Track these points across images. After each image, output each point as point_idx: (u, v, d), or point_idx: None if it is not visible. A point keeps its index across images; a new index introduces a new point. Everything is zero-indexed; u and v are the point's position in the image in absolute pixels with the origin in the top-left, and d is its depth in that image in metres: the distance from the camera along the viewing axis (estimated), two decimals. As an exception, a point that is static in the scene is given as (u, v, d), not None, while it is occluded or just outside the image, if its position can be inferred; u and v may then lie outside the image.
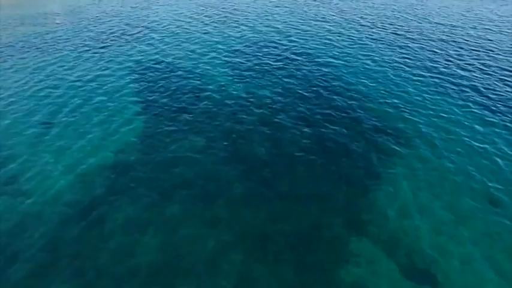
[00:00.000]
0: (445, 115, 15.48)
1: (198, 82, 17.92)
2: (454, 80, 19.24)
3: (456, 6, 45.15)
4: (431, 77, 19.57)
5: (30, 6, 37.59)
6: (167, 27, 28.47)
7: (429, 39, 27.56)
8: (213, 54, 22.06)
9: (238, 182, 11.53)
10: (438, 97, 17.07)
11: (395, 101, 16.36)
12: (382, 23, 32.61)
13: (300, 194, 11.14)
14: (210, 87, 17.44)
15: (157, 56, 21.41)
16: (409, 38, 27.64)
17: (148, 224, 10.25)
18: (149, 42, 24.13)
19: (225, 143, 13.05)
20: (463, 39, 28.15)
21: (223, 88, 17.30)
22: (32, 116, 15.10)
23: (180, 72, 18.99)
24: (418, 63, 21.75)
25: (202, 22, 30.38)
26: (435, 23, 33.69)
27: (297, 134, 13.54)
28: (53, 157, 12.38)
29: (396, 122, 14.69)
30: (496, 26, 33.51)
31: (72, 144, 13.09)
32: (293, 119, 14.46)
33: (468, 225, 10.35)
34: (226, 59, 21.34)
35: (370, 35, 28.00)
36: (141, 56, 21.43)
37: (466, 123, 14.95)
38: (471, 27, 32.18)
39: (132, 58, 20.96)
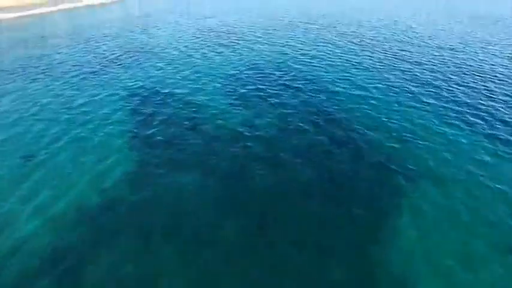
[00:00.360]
0: (454, 148, 14.40)
1: (192, 111, 16.98)
2: (460, 108, 18.31)
3: (456, 29, 45.01)
4: (436, 104, 18.66)
5: (30, 29, 37.56)
6: (163, 51, 28.00)
7: (431, 63, 26.92)
8: (209, 80, 21.30)
9: (232, 228, 10.31)
10: (445, 127, 16.05)
11: (400, 133, 15.34)
12: (382, 46, 32.15)
13: (299, 242, 9.90)
14: (204, 116, 16.47)
15: (149, 83, 20.61)
16: (409, 62, 27.00)
17: (129, 281, 8.96)
18: (142, 67, 23.49)
19: (217, 182, 11.90)
20: (466, 63, 27.51)
21: (217, 118, 16.32)
22: (10, 147, 14.02)
23: (172, 100, 18.12)
24: (421, 89, 20.92)
25: (199, 46, 29.95)
26: (436, 46, 33.23)
27: (296, 171, 12.40)
28: (24, 196, 11.21)
29: (401, 157, 13.60)
30: (498, 50, 33.01)
31: (48, 181, 11.95)
32: (292, 155, 13.36)
33: (483, 279, 9.06)
34: (222, 85, 20.55)
35: (370, 58, 27.42)
36: (133, 82, 20.66)
37: (476, 157, 13.84)
38: (473, 52, 31.67)
39: (123, 85, 20.17)
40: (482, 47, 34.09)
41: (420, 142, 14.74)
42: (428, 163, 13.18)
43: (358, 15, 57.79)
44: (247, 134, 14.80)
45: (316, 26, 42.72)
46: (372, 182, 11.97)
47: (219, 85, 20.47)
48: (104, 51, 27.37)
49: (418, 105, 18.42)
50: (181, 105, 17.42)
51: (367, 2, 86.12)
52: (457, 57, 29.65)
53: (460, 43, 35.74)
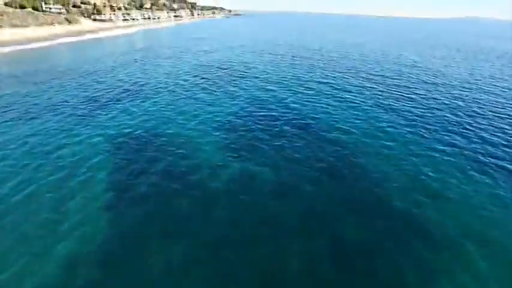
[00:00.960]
0: (479, 208, 12.13)
1: (181, 162, 14.76)
2: (479, 158, 16.19)
3: (463, 65, 43.73)
4: (453, 152, 16.58)
5: (26, 63, 36.93)
6: (156, 90, 26.44)
7: (441, 102, 25.03)
8: (202, 123, 19.42)
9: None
10: (466, 184, 13.81)
11: (417, 188, 13.14)
12: (388, 83, 30.37)
13: None
14: (194, 168, 14.24)
15: (136, 127, 18.45)
16: (418, 101, 25.13)
17: None
18: (132, 108, 21.53)
19: (208, 257, 9.53)
20: (478, 102, 25.66)
21: (210, 170, 14.08)
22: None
23: (160, 148, 16.01)
24: (434, 133, 18.93)
25: (194, 84, 28.51)
26: (444, 83, 31.65)
27: (298, 243, 10.05)
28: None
29: (420, 220, 11.31)
30: (508, 86, 31.45)
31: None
32: (293, 221, 11.03)
33: None
34: (217, 129, 18.61)
35: (377, 97, 25.66)
36: (119, 125, 18.62)
37: (505, 225, 11.48)
38: (484, 89, 29.95)
39: (107, 128, 18.06)
40: (492, 84, 32.58)
41: (440, 201, 12.50)
42: (451, 229, 10.86)
43: (361, 50, 57.47)
44: (243, 192, 12.53)
45: (320, 62, 41.90)
46: (388, 254, 9.61)
47: (214, 129, 18.58)
48: (94, 88, 26.01)
49: (432, 153, 16.36)
50: (169, 154, 15.33)
51: (369, 38, 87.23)
52: (468, 95, 28.01)
53: (469, 80, 34.29)
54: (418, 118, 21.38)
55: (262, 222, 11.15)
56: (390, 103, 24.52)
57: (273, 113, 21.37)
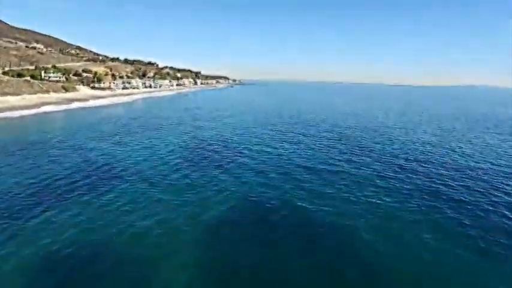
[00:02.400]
0: None
1: None
2: None
3: (469, 137, 39.78)
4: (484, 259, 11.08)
5: (30, 132, 33.76)
6: (124, 177, 21.14)
7: (464, 190, 20.03)
8: (172, 236, 13.98)
9: None
10: None
11: None
12: (398, 163, 25.44)
13: None
14: None
15: (87, 240, 13.25)
16: (439, 192, 20.06)
17: None
18: (80, 208, 16.08)
19: None
20: (497, 190, 20.65)
21: None
22: None
23: (106, 276, 10.69)
24: (462, 232, 13.63)
25: (174, 171, 23.30)
26: (459, 166, 26.84)
27: None
28: None
29: None
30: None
31: None
32: None
33: None
34: (192, 249, 13.23)
35: (388, 182, 20.87)
36: (66, 233, 13.61)
37: None
38: (498, 170, 25.17)
39: (48, 240, 12.97)
40: (505, 161, 27.82)
41: None
42: None
43: (362, 121, 54.34)
44: None
45: (322, 140, 37.83)
46: None
47: (186, 247, 13.15)
48: (43, 173, 21.14)
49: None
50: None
51: (371, 111, 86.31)
52: (487, 174, 23.56)
53: (481, 157, 29.66)
54: (439, 213, 16.17)
55: None
56: (402, 188, 19.52)
57: (269, 220, 15.85)
